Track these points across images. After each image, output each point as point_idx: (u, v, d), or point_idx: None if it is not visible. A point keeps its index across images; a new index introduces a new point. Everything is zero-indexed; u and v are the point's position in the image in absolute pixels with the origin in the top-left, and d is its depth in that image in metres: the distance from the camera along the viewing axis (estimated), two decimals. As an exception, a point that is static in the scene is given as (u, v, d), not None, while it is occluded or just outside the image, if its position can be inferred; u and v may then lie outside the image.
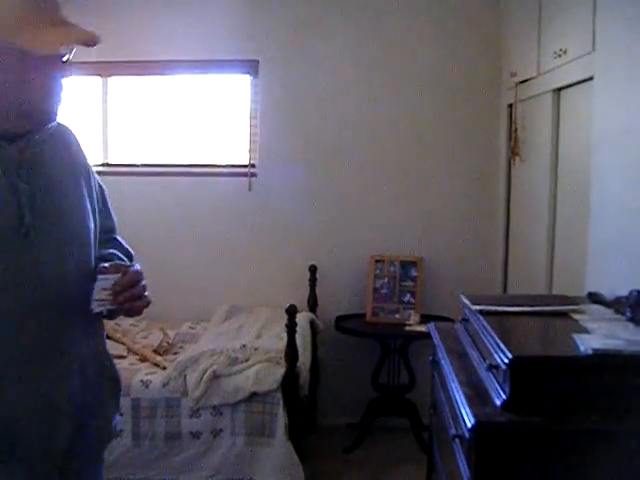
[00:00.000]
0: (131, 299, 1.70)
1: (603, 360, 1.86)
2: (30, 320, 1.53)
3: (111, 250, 2.00)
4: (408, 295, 4.68)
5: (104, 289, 1.66)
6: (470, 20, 4.76)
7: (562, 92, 3.51)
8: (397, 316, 4.65)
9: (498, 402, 1.89)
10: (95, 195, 2.01)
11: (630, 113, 2.64)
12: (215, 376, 3.63)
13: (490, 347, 2.08)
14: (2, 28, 1.51)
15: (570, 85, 3.35)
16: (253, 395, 3.59)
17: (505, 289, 4.56)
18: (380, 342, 4.60)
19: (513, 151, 4.18)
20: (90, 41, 1.76)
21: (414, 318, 4.52)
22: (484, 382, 2.06)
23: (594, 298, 2.61)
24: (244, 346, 3.85)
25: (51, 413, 1.60)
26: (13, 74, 1.57)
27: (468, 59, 4.78)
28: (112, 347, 4.19)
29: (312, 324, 4.51)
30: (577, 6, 3.18)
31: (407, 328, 4.48)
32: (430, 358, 2.88)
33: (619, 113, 2.75)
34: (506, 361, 1.87)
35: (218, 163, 5.13)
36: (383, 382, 4.63)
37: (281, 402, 3.58)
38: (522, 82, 4.07)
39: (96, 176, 2.08)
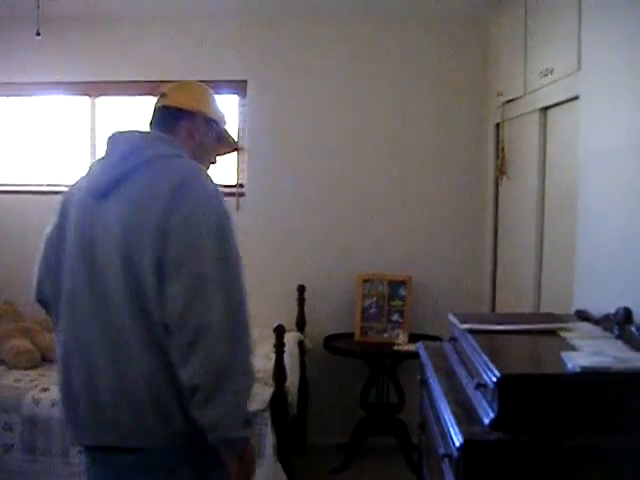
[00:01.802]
0: None
1: (591, 378, 1.86)
2: None
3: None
4: (396, 314, 4.68)
5: None
6: (457, 40, 4.79)
7: (548, 111, 3.52)
8: (385, 335, 4.64)
9: (487, 421, 1.88)
10: None
11: (616, 132, 2.66)
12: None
13: (478, 366, 2.07)
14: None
15: (556, 104, 3.37)
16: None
17: (493, 308, 4.57)
18: (369, 362, 4.59)
19: (500, 170, 4.20)
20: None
21: (402, 337, 4.52)
22: (473, 401, 2.06)
23: (582, 316, 2.61)
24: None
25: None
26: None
27: (455, 79, 4.80)
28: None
29: (300, 344, 4.50)
30: (563, 26, 3.21)
31: (396, 347, 4.47)
32: (419, 377, 2.87)
33: (605, 132, 2.76)
34: (494, 379, 1.87)
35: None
36: (372, 401, 4.62)
37: (269, 422, 3.56)
38: (509, 101, 4.10)
39: None
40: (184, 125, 2.23)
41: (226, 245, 1.97)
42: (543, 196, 3.60)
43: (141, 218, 1.94)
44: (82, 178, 2.20)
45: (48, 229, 2.25)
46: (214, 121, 2.33)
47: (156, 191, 1.96)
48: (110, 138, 2.16)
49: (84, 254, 2.03)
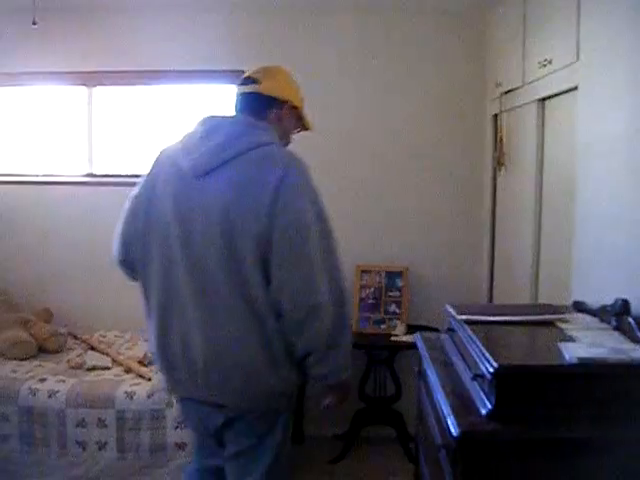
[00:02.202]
0: None
1: (588, 369, 1.87)
2: None
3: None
4: (394, 305, 4.67)
5: None
6: (455, 31, 4.77)
7: (547, 102, 3.52)
8: (383, 326, 4.63)
9: (484, 411, 1.88)
10: None
11: (614, 123, 2.65)
12: (200, 387, 3.61)
13: (475, 357, 2.07)
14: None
15: (555, 95, 3.36)
16: (238, 406, 3.57)
17: (491, 298, 4.57)
18: (366, 353, 4.59)
19: (498, 161, 4.20)
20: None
21: (400, 328, 4.52)
22: (470, 392, 2.06)
23: (579, 307, 2.61)
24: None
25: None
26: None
27: (453, 70, 4.79)
28: (97, 359, 4.18)
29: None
30: (561, 16, 3.20)
31: (393, 338, 4.47)
32: (416, 368, 2.87)
33: (604, 123, 2.76)
34: (491, 370, 1.87)
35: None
36: (369, 393, 4.62)
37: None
38: (507, 92, 4.09)
39: None
40: (274, 112, 2.47)
41: (326, 229, 2.30)
42: (541, 187, 3.60)
43: (245, 201, 2.18)
44: (172, 151, 2.41)
45: (134, 195, 2.48)
46: (297, 107, 2.58)
47: (261, 178, 2.19)
48: (208, 120, 2.39)
49: (181, 227, 2.27)
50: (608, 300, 2.38)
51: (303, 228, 2.19)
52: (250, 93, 2.45)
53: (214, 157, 2.26)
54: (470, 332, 2.25)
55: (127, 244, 2.45)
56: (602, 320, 2.38)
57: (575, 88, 3.04)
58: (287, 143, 2.59)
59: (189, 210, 2.26)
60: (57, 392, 3.69)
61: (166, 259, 2.31)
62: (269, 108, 2.46)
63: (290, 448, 2.54)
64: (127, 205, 2.50)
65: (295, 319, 2.20)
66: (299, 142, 4.83)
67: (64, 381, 3.82)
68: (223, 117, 2.40)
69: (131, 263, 2.47)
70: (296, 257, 2.17)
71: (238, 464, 2.43)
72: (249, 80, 2.47)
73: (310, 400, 2.58)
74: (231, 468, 2.46)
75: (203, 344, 2.25)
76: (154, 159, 2.47)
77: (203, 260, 2.23)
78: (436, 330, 3.54)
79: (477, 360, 2.04)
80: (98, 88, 5.10)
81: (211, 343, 2.25)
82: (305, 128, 2.73)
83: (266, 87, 2.45)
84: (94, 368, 4.08)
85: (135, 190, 2.50)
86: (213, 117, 2.40)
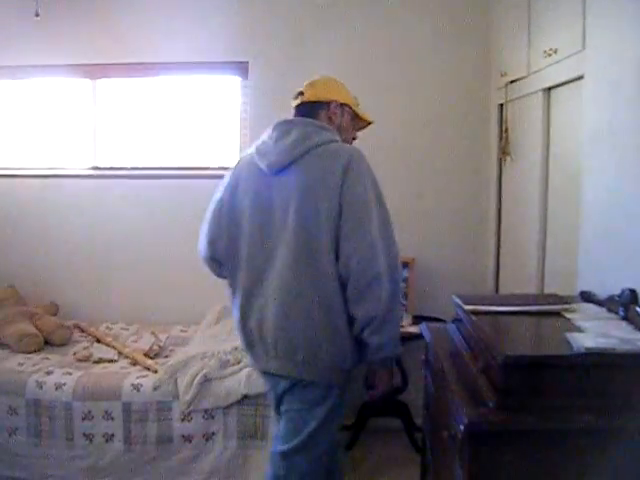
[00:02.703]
0: None
1: (596, 359, 1.86)
2: None
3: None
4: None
5: None
6: (460, 21, 4.75)
7: (552, 91, 3.50)
8: (389, 317, 4.62)
9: (491, 402, 1.88)
10: None
11: (620, 112, 2.64)
12: (206, 379, 3.62)
13: (483, 347, 2.07)
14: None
15: (560, 84, 3.35)
16: (245, 398, 3.58)
17: (497, 289, 4.56)
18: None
19: (504, 151, 4.18)
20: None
21: (406, 319, 4.51)
22: (477, 382, 2.05)
23: (586, 297, 2.61)
24: (235, 349, 3.82)
25: None
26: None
27: (458, 60, 4.77)
28: (103, 351, 4.19)
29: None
30: (567, 5, 3.18)
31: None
32: (423, 359, 2.87)
33: (609, 112, 2.74)
34: (499, 361, 1.87)
35: (208, 165, 5.11)
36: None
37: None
38: (512, 82, 4.07)
39: None
40: (323, 113, 2.81)
41: (384, 207, 2.59)
42: (547, 177, 3.58)
43: (318, 189, 2.54)
44: (249, 156, 2.80)
45: (217, 197, 2.86)
46: (346, 105, 2.87)
47: (330, 169, 2.55)
48: (279, 125, 2.75)
49: (262, 217, 2.65)
50: (615, 290, 2.38)
51: (366, 205, 2.52)
52: (300, 103, 2.84)
53: (288, 155, 2.62)
54: (477, 322, 2.25)
55: (214, 242, 2.85)
56: (609, 310, 2.38)
57: (581, 77, 3.02)
58: (349, 139, 2.92)
59: (269, 201, 2.64)
60: (64, 385, 3.70)
61: (251, 246, 2.69)
62: (318, 110, 2.81)
63: (338, 427, 2.80)
64: (211, 207, 2.89)
65: (361, 286, 2.49)
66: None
67: (71, 374, 3.82)
68: (292, 121, 2.76)
69: (218, 259, 2.87)
70: (361, 230, 2.49)
71: (287, 425, 2.73)
72: (298, 94, 2.87)
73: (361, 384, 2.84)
74: (282, 428, 2.78)
75: (275, 321, 2.60)
76: (233, 167, 2.87)
77: (282, 243, 2.59)
78: (442, 321, 3.53)
79: (484, 350, 2.04)
80: (102, 80, 5.10)
81: (282, 320, 2.59)
82: (366, 123, 3.04)
83: (310, 95, 2.83)
84: (100, 361, 4.09)
85: (217, 195, 2.88)
86: (284, 122, 2.75)
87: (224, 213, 2.80)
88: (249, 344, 2.77)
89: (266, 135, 2.79)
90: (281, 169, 2.63)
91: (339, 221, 2.51)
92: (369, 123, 3.05)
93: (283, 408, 2.75)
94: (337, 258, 2.53)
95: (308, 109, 2.81)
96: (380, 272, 2.47)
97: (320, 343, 2.57)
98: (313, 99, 2.82)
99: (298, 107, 2.85)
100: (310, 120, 2.75)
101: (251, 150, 2.82)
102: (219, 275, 2.93)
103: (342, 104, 2.85)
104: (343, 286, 2.53)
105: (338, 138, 2.72)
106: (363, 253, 2.47)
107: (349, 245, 2.49)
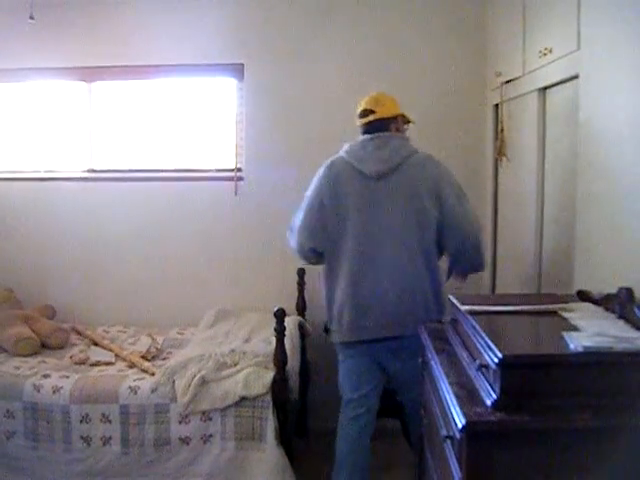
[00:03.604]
0: None
1: (593, 358, 1.86)
2: None
3: None
4: (397, 297, 4.67)
5: None
6: (455, 21, 4.76)
7: (547, 91, 3.51)
8: (386, 318, 4.64)
9: (488, 402, 1.88)
10: None
11: (616, 111, 2.64)
12: (204, 381, 3.61)
13: (480, 347, 2.07)
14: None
15: (556, 84, 3.35)
16: (242, 400, 3.57)
17: (494, 289, 4.56)
18: (369, 344, 4.57)
19: (500, 151, 4.18)
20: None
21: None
22: (474, 382, 2.06)
23: (583, 296, 2.60)
24: (233, 351, 3.83)
25: None
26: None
27: (453, 60, 4.78)
28: (100, 354, 4.18)
29: (301, 327, 4.50)
30: (562, 4, 3.18)
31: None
32: (420, 359, 2.87)
33: (605, 111, 2.75)
34: (496, 360, 1.87)
35: (204, 167, 5.11)
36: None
37: (271, 406, 3.57)
38: (507, 82, 4.07)
39: None
40: (392, 126, 3.47)
41: (466, 195, 3.38)
42: (543, 177, 3.59)
43: (420, 188, 3.27)
44: (342, 162, 3.43)
45: (313, 197, 3.43)
46: (402, 115, 3.53)
47: (424, 172, 3.32)
48: (375, 138, 3.38)
49: (369, 214, 3.30)
50: (612, 289, 2.38)
51: (458, 188, 3.35)
52: (374, 120, 3.43)
53: (389, 163, 3.30)
54: (474, 322, 2.25)
55: (315, 233, 3.40)
56: (606, 309, 2.38)
57: (576, 77, 3.02)
58: None
59: (375, 201, 3.30)
60: (61, 388, 3.69)
61: (360, 238, 3.31)
62: (390, 124, 3.45)
63: None
64: (306, 203, 3.45)
65: (472, 238, 3.31)
66: (302, 137, 4.87)
67: (68, 377, 3.81)
68: (383, 135, 3.39)
69: (318, 250, 3.43)
70: (460, 201, 3.30)
71: (402, 382, 3.47)
72: (368, 112, 3.46)
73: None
74: (398, 386, 3.55)
75: (392, 292, 3.26)
76: (326, 168, 3.46)
77: (391, 235, 3.27)
78: (439, 321, 3.52)
79: (481, 350, 2.04)
80: (98, 83, 5.10)
81: (400, 294, 3.27)
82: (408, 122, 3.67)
83: (382, 112, 3.44)
84: (97, 364, 4.08)
85: (310, 191, 3.47)
86: (376, 137, 3.38)
87: (329, 209, 3.37)
88: (358, 316, 3.33)
89: (357, 145, 3.42)
90: (384, 175, 3.29)
91: (440, 202, 3.26)
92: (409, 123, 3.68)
93: (391, 373, 3.47)
94: (438, 242, 3.32)
95: (382, 124, 3.43)
96: (476, 243, 3.32)
97: (428, 307, 3.29)
98: (385, 115, 3.44)
99: (371, 123, 3.43)
100: (397, 135, 3.44)
101: (340, 155, 3.46)
102: (314, 262, 3.56)
103: (400, 115, 3.52)
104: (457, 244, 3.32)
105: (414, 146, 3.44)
106: (469, 217, 3.30)
107: (458, 210, 3.27)
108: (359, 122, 3.49)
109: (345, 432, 3.55)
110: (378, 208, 3.29)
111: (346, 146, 3.47)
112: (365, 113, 3.46)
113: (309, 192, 3.48)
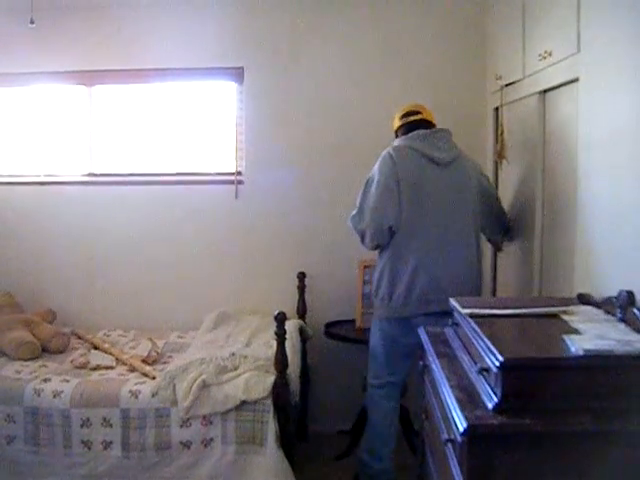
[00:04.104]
0: None
1: (594, 361, 1.86)
2: None
3: None
4: (397, 300, 4.68)
5: None
6: (455, 24, 4.77)
7: (548, 94, 3.50)
8: (387, 321, 4.66)
9: (490, 405, 1.88)
10: None
11: (616, 114, 2.64)
12: (205, 385, 3.61)
13: (481, 350, 2.07)
14: None
15: (556, 87, 3.35)
16: (243, 403, 3.57)
17: (494, 292, 4.55)
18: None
19: (500, 154, 4.17)
20: None
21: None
22: (475, 385, 2.05)
23: (584, 299, 2.60)
24: (233, 354, 3.82)
25: None
26: None
27: (453, 63, 4.78)
28: (100, 358, 4.18)
29: (301, 331, 4.50)
30: (561, 8, 3.18)
31: (397, 333, 4.46)
32: (421, 363, 2.87)
33: (605, 114, 2.74)
34: (497, 364, 1.87)
35: (204, 171, 5.11)
36: (367, 383, 4.60)
37: (271, 410, 3.56)
38: (508, 85, 4.07)
39: None
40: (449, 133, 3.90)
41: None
42: (543, 180, 3.59)
43: (471, 182, 3.77)
44: (406, 148, 3.73)
45: (384, 180, 3.67)
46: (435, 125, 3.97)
47: (474, 170, 3.84)
48: (436, 132, 3.81)
49: (443, 195, 3.68)
50: (613, 292, 2.37)
51: (494, 188, 4.19)
52: (421, 119, 3.87)
53: (452, 153, 3.76)
54: (475, 326, 2.24)
55: (393, 212, 3.64)
56: (607, 312, 2.38)
57: (576, 80, 3.02)
58: None
59: (446, 185, 3.69)
60: (61, 392, 3.69)
61: (435, 216, 3.65)
62: (431, 127, 3.88)
63: None
64: (378, 186, 3.67)
65: (506, 219, 4.02)
66: (302, 140, 4.87)
67: (68, 381, 3.81)
68: (441, 129, 3.85)
69: (392, 227, 3.67)
70: (497, 201, 4.03)
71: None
72: (413, 112, 3.90)
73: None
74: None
75: (458, 270, 3.66)
76: (390, 154, 3.72)
77: (456, 215, 3.69)
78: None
79: (482, 354, 2.04)
80: (97, 87, 5.10)
81: (466, 269, 3.71)
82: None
83: (426, 115, 3.92)
84: (98, 367, 4.08)
85: (378, 175, 3.70)
86: (437, 130, 3.83)
87: (404, 191, 3.63)
88: (429, 290, 3.62)
89: (418, 137, 3.75)
90: (446, 164, 3.71)
91: (486, 200, 3.84)
92: None
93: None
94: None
95: (428, 124, 3.87)
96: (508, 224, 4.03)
97: (476, 284, 3.78)
98: (429, 118, 3.91)
99: (420, 121, 3.85)
100: (446, 131, 3.86)
101: (403, 145, 3.75)
102: (378, 246, 3.81)
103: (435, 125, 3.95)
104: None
105: None
106: (502, 211, 4.01)
107: (495, 207, 3.96)
108: (404, 121, 3.89)
109: (378, 408, 3.95)
110: (448, 192, 3.68)
111: (401, 139, 3.83)
112: (411, 113, 3.89)
113: (376, 177, 3.71)
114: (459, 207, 3.70)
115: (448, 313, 3.26)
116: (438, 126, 3.98)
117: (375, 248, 3.85)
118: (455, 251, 3.66)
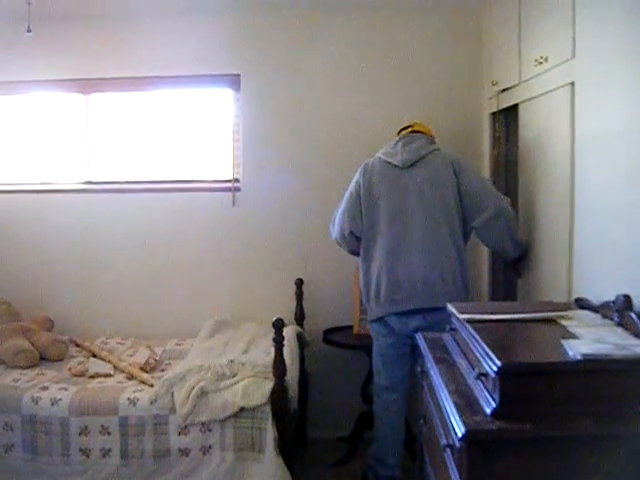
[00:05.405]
0: None
1: (592, 365, 1.86)
2: None
3: None
4: (395, 306, 4.67)
5: None
6: (451, 30, 4.78)
7: (543, 98, 3.51)
8: (385, 327, 4.66)
9: (488, 410, 1.88)
10: None
11: (611, 119, 2.65)
12: (203, 392, 3.60)
13: (479, 355, 2.07)
14: None
15: (551, 92, 3.36)
16: (242, 410, 3.57)
17: (492, 297, 4.55)
18: (368, 354, 4.55)
19: (497, 159, 4.19)
20: None
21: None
22: (473, 391, 2.05)
23: (581, 304, 2.61)
24: (231, 361, 3.82)
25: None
26: None
27: (450, 69, 4.79)
28: (99, 366, 4.17)
29: (299, 337, 4.50)
30: (557, 13, 3.20)
31: (395, 339, 4.46)
32: (419, 368, 2.87)
33: (601, 119, 2.76)
34: (495, 369, 1.87)
35: (201, 178, 5.11)
36: (372, 394, 4.60)
37: (270, 417, 3.56)
38: (504, 90, 4.08)
39: None
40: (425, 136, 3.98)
41: (489, 180, 4.18)
42: (540, 185, 3.59)
43: (441, 176, 3.75)
44: (376, 159, 3.92)
45: (352, 190, 3.91)
46: (433, 136, 4.06)
47: (444, 163, 3.78)
48: (406, 137, 3.92)
49: (400, 197, 3.77)
50: (610, 296, 2.38)
51: (477, 173, 4.02)
52: (411, 131, 3.96)
53: (415, 154, 3.80)
54: (473, 331, 2.25)
55: (355, 219, 3.86)
56: (605, 316, 2.38)
57: (572, 85, 3.03)
58: None
59: (404, 186, 3.77)
60: (60, 400, 3.68)
61: (391, 219, 3.77)
62: (421, 135, 3.96)
63: None
64: (347, 197, 3.92)
65: (495, 208, 3.66)
66: (299, 147, 4.87)
67: (66, 389, 3.81)
68: (413, 135, 3.93)
69: (356, 233, 3.88)
70: (479, 177, 3.93)
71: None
72: (407, 127, 4.00)
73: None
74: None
75: (425, 269, 3.67)
76: (363, 166, 3.94)
77: (420, 215, 3.71)
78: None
79: (480, 359, 2.04)
80: (95, 95, 5.10)
81: (430, 267, 3.67)
82: None
83: (417, 127, 4.00)
84: (96, 375, 4.07)
85: (351, 188, 3.93)
86: (408, 136, 3.92)
87: (363, 198, 3.83)
88: (393, 290, 3.73)
89: (389, 146, 3.93)
90: (411, 164, 3.78)
91: (460, 197, 3.71)
92: None
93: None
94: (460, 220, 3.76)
95: (416, 134, 3.94)
96: (499, 212, 3.67)
97: (456, 282, 3.72)
98: (421, 130, 3.98)
99: (412, 133, 3.94)
100: (424, 136, 3.93)
101: (376, 156, 3.93)
102: (352, 251, 4.02)
103: (433, 136, 4.04)
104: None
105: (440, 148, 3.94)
106: (486, 204, 3.68)
107: (482, 208, 3.67)
108: (398, 137, 4.01)
109: (381, 416, 4.00)
110: (406, 193, 3.75)
111: (380, 150, 3.98)
112: (404, 128, 4.02)
113: (349, 188, 3.96)
114: (423, 208, 3.73)
115: (419, 310, 3.68)
116: (435, 134, 4.01)
117: (352, 253, 4.08)
118: (421, 254, 3.70)
